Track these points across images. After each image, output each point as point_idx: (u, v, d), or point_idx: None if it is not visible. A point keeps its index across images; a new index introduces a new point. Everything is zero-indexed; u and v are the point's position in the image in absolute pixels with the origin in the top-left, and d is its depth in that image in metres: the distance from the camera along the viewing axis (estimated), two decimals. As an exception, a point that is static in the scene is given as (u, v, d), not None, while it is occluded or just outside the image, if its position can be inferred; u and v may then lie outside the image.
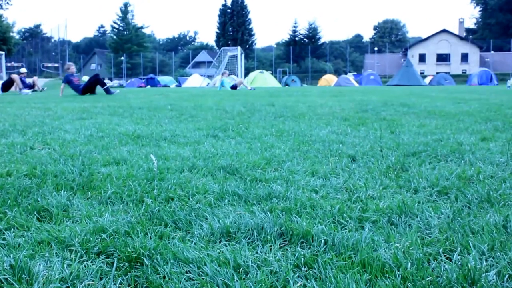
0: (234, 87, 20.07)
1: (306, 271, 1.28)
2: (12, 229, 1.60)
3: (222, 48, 34.29)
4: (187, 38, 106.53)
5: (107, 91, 12.62)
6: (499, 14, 69.44)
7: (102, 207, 1.83)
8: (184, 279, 1.24)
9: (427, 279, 1.22)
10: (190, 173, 2.39)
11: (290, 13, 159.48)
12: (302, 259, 1.33)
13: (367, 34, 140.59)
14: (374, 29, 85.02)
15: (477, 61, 61.22)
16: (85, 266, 1.31)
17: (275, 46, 79.09)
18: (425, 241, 1.45)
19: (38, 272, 1.26)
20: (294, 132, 3.95)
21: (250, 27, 71.03)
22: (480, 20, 75.98)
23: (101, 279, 1.25)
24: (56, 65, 36.40)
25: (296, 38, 71.38)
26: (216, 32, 71.29)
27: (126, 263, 1.33)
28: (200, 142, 3.44)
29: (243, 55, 30.16)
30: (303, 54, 65.05)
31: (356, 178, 2.28)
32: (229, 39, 66.34)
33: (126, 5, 64.79)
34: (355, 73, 53.43)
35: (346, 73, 52.56)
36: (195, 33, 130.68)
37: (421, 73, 46.67)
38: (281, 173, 2.38)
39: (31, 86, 18.00)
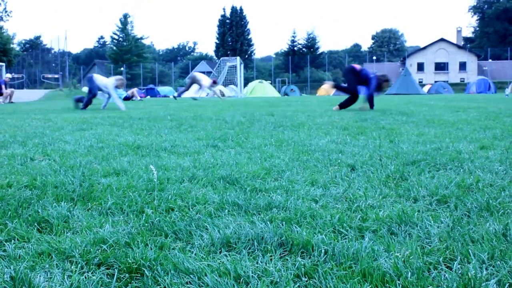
0: (127, 98, 19.94)
1: (307, 281, 1.28)
2: (13, 240, 1.60)
3: (221, 58, 34.41)
4: (187, 48, 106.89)
5: None
6: (496, 22, 69.81)
7: (102, 218, 1.83)
8: (185, 289, 1.24)
9: (428, 288, 1.22)
10: (190, 184, 2.40)
11: (289, 23, 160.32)
12: (303, 269, 1.34)
13: (366, 44, 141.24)
14: (372, 38, 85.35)
15: (475, 69, 61.43)
16: (85, 277, 1.31)
17: (274, 56, 79.45)
18: (425, 250, 1.46)
19: (38, 283, 1.27)
20: (293, 142, 3.96)
21: (249, 37, 71.32)
22: (477, 29, 76.36)
23: (101, 290, 1.25)
24: (56, 76, 36.46)
25: (295, 48, 71.65)
26: (216, 43, 71.57)
27: (127, 274, 1.33)
28: (200, 152, 3.45)
29: (242, 65, 30.27)
30: (302, 64, 65.27)
31: (356, 187, 2.28)
32: (228, 49, 66.57)
33: (125, 16, 65.12)
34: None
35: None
36: (195, 43, 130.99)
37: (419, 82, 46.86)
38: (281, 183, 2.38)
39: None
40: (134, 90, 21.83)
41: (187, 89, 20.17)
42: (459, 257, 1.39)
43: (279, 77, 61.79)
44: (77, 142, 4.14)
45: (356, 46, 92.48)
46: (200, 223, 1.74)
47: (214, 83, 19.22)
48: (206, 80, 18.84)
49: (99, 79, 10.99)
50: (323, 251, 1.45)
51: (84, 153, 3.48)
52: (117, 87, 11.02)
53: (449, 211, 1.88)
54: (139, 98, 20.37)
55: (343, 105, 9.05)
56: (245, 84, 37.31)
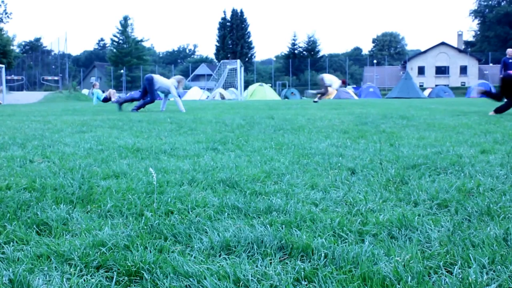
0: (106, 99, 19.90)
1: (306, 285, 1.27)
2: (12, 243, 1.59)
3: (221, 61, 34.44)
4: (187, 51, 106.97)
5: None
6: (497, 27, 69.89)
7: (101, 221, 1.82)
8: (184, 293, 1.24)
9: (428, 293, 1.21)
10: (189, 187, 2.39)
11: (289, 27, 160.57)
12: (302, 272, 1.33)
13: (366, 47, 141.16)
14: (373, 42, 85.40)
15: (476, 73, 61.46)
16: (84, 280, 1.30)
17: (274, 59, 79.43)
18: (426, 255, 1.45)
19: (37, 286, 1.26)
20: (293, 145, 3.95)
21: (249, 40, 71.41)
22: (478, 32, 76.40)
23: (100, 293, 1.25)
24: (56, 78, 36.51)
25: (296, 51, 71.69)
26: (216, 45, 71.66)
27: (126, 277, 1.33)
28: (199, 155, 3.44)
29: (242, 68, 30.27)
30: (303, 67, 65.33)
31: (356, 191, 2.28)
32: (229, 52, 66.67)
33: (126, 19, 65.15)
34: (355, 86, 53.65)
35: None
36: (195, 46, 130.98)
37: (420, 86, 46.88)
38: (281, 186, 2.38)
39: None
40: (111, 91, 21.40)
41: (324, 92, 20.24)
42: (459, 262, 1.39)
43: (280, 80, 61.86)
44: (76, 144, 4.14)
45: (357, 50, 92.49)
46: (200, 226, 1.74)
47: (344, 83, 19.29)
48: (335, 82, 18.93)
49: (160, 80, 10.60)
50: (323, 254, 1.45)
51: (83, 155, 3.48)
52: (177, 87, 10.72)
53: (450, 215, 1.87)
54: (114, 99, 19.74)
55: (499, 110, 8.93)
56: (245, 87, 37.34)
